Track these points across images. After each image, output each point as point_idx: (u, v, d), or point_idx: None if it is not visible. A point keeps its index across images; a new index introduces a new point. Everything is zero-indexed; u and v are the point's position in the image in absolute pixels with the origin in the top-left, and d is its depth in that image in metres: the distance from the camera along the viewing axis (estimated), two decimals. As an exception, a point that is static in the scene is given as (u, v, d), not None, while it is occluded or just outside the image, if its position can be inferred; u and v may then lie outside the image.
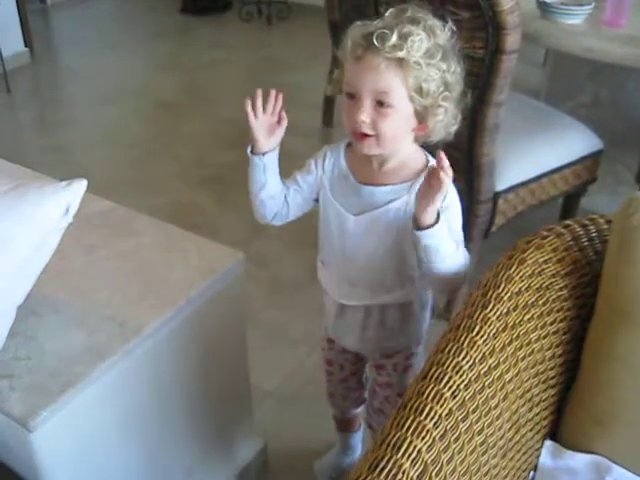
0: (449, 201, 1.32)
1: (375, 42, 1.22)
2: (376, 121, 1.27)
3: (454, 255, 1.32)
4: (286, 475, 2.00)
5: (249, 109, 1.35)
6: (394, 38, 1.22)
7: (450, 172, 1.21)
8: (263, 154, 1.40)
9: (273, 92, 1.37)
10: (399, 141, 1.33)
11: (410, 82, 1.24)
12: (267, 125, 1.39)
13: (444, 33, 1.28)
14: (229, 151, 3.59)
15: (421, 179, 1.34)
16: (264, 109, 1.37)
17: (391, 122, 1.28)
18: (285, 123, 1.39)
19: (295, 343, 2.43)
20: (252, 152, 1.41)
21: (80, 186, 1.29)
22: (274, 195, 1.45)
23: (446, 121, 1.32)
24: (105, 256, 1.59)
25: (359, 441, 1.98)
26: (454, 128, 1.35)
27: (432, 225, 1.26)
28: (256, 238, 2.89)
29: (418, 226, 1.27)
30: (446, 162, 1.21)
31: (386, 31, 1.22)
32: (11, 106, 4.30)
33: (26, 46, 4.79)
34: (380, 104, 1.27)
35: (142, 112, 4.21)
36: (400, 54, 1.22)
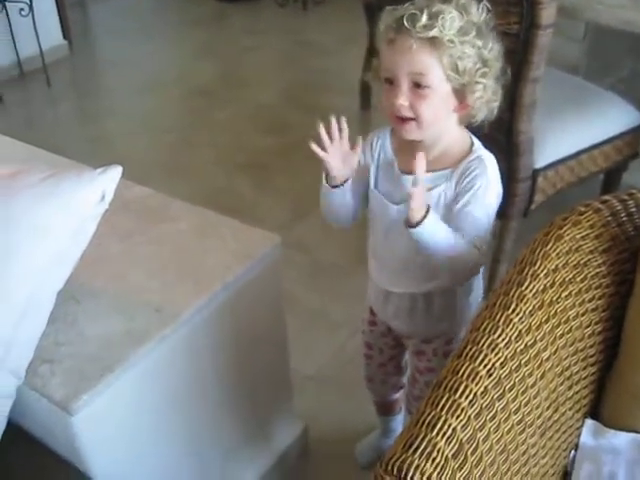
0: (468, 200, 1.33)
1: (405, 23, 1.22)
2: (414, 104, 1.27)
3: (448, 252, 1.32)
4: (326, 458, 2.01)
5: (315, 148, 1.32)
6: (424, 18, 1.21)
7: (417, 183, 1.24)
8: (344, 183, 1.39)
9: (333, 120, 1.33)
10: (440, 123, 1.32)
11: (445, 61, 1.23)
12: (340, 155, 1.35)
13: (478, 12, 1.27)
14: (266, 137, 3.59)
15: (462, 166, 1.33)
16: (331, 139, 1.34)
17: (430, 103, 1.27)
18: (358, 148, 1.36)
19: (336, 327, 2.43)
20: (329, 183, 1.40)
21: (115, 173, 1.30)
22: (352, 207, 1.46)
23: (486, 98, 1.30)
24: (142, 242, 1.61)
25: (400, 423, 1.97)
26: (496, 104, 1.34)
27: (414, 225, 1.27)
28: (296, 223, 2.89)
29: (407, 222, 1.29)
30: (418, 173, 1.24)
31: (416, 12, 1.22)
32: (51, 98, 4.35)
33: (65, 39, 4.83)
34: (417, 86, 1.26)
35: (179, 100, 4.23)
36: (432, 33, 1.21)
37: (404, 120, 1.29)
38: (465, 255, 1.33)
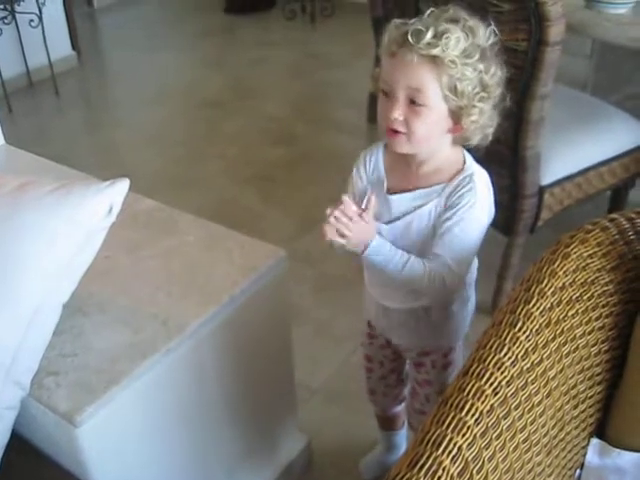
0: (449, 217, 1.33)
1: (410, 39, 1.21)
2: (409, 119, 1.26)
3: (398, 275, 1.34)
4: (330, 472, 2.00)
5: (331, 235, 1.29)
6: (429, 35, 1.21)
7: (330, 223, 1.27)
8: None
9: (345, 199, 1.29)
10: (432, 141, 1.32)
11: (444, 81, 1.23)
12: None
13: (485, 35, 1.26)
14: (275, 149, 3.59)
15: (454, 183, 1.33)
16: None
17: (423, 121, 1.26)
18: (373, 201, 1.32)
19: (340, 340, 2.42)
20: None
21: (123, 185, 1.31)
22: None
23: (482, 122, 1.30)
24: (149, 255, 1.61)
25: (403, 439, 1.97)
26: (491, 130, 1.33)
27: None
28: (302, 236, 2.89)
29: None
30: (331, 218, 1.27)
31: (422, 28, 1.22)
32: (59, 108, 4.37)
33: (74, 49, 4.85)
34: (413, 102, 1.26)
35: (188, 111, 4.24)
36: (434, 52, 1.21)
37: (396, 133, 1.29)
38: (424, 278, 1.33)
